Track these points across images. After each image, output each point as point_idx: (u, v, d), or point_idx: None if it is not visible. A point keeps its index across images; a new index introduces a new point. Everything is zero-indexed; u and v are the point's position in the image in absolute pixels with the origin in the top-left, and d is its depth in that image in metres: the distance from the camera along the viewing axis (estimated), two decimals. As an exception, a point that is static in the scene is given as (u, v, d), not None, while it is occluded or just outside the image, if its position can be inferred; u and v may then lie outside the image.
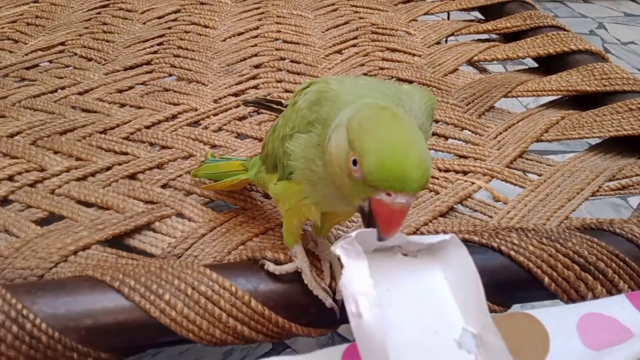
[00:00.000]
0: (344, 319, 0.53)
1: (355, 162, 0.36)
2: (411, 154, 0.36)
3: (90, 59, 0.98)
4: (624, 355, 0.42)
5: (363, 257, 0.37)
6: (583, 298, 0.55)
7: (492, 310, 0.52)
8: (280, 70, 0.96)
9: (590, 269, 0.54)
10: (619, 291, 0.54)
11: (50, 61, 0.96)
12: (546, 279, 0.54)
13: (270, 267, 0.50)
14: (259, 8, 1.19)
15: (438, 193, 0.68)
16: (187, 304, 0.49)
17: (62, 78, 0.91)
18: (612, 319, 0.46)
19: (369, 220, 0.38)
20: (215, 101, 0.86)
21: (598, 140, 0.80)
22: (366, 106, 0.39)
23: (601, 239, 0.57)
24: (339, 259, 0.37)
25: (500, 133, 0.79)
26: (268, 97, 0.86)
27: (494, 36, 1.10)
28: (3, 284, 0.49)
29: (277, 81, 0.93)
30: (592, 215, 1.24)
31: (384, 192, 0.36)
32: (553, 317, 0.46)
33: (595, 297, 0.54)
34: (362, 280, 0.36)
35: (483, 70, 1.02)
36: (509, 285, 0.54)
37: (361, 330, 0.35)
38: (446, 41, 1.10)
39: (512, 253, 0.54)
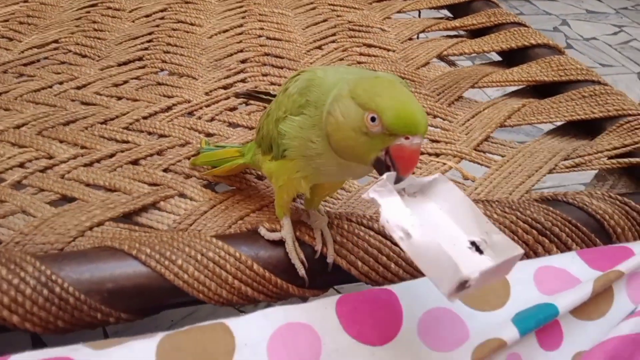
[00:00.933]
0: (331, 281, 0.61)
1: (373, 119, 0.45)
2: (415, 105, 0.46)
3: (84, 56, 1.03)
4: (571, 298, 0.50)
5: (395, 193, 0.45)
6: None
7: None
8: (265, 64, 1.03)
9: (546, 233, 0.63)
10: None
11: (46, 58, 1.01)
12: (509, 243, 0.62)
13: (262, 231, 0.58)
14: (241, 7, 1.25)
15: (414, 173, 0.76)
16: (197, 268, 0.55)
17: (59, 74, 0.96)
18: (564, 271, 0.55)
19: (386, 168, 0.46)
20: (207, 93, 0.92)
21: (555, 125, 0.89)
22: (361, 78, 0.48)
23: (556, 208, 0.65)
24: (373, 201, 0.44)
25: (468, 120, 0.87)
26: (257, 90, 0.93)
27: (461, 32, 1.18)
28: (32, 253, 0.55)
29: (263, 75, 0.99)
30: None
31: (402, 137, 0.45)
32: (514, 269, 0.54)
33: (551, 257, 0.62)
34: (399, 211, 0.43)
35: (452, 64, 1.10)
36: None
37: (415, 246, 0.42)
38: (418, 37, 1.19)
39: (479, 220, 0.62)
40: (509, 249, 0.43)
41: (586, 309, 0.52)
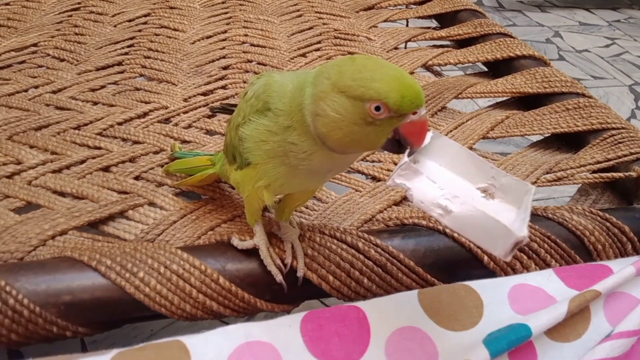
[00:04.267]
0: (301, 295, 0.59)
1: (378, 108, 0.43)
2: (409, 77, 0.44)
3: (62, 60, 1.01)
4: (545, 318, 0.48)
5: (420, 172, 0.44)
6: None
7: (435, 284, 0.58)
8: (247, 71, 1.01)
9: (524, 249, 0.61)
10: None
11: (24, 61, 0.99)
12: (485, 258, 0.60)
13: (235, 241, 0.56)
14: (227, 13, 1.24)
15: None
16: (159, 281, 0.53)
17: (35, 77, 0.94)
18: (539, 289, 0.53)
19: (398, 146, 0.46)
20: (185, 100, 0.91)
21: (540, 137, 0.87)
22: (339, 67, 0.45)
23: (535, 223, 0.63)
24: (401, 187, 0.44)
25: (451, 131, 0.86)
26: (232, 102, 0.91)
27: (449, 42, 1.17)
28: (-14, 264, 0.53)
29: (244, 82, 0.98)
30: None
31: (410, 114, 0.44)
32: (487, 287, 0.52)
33: (529, 274, 0.60)
34: (430, 189, 0.43)
35: (438, 74, 1.09)
36: (453, 264, 0.60)
37: (458, 219, 0.42)
38: (405, 46, 1.17)
39: (455, 235, 0.60)
40: (520, 187, 0.44)
41: (562, 330, 0.50)
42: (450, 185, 0.45)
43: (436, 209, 0.43)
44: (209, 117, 0.87)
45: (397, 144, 0.46)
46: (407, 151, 0.46)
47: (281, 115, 0.48)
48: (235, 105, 0.68)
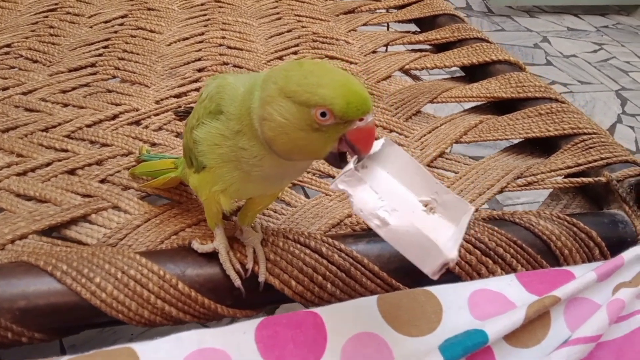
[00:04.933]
0: (263, 301, 0.58)
1: (323, 114, 0.43)
2: (356, 83, 0.44)
3: (35, 61, 1.00)
4: (503, 323, 0.48)
5: (363, 180, 0.44)
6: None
7: (399, 289, 0.57)
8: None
9: (490, 253, 0.60)
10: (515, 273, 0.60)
11: (-5, 62, 0.98)
12: (451, 263, 0.59)
13: (195, 245, 0.55)
14: (205, 15, 1.23)
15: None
16: (116, 286, 0.52)
17: (6, 79, 0.93)
18: (499, 294, 0.53)
19: (341, 158, 0.46)
20: (157, 102, 0.90)
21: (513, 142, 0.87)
22: (286, 71, 0.44)
23: (502, 228, 0.63)
24: (343, 192, 0.44)
25: (424, 135, 0.85)
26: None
27: (427, 46, 1.17)
28: (-61, 268, 0.52)
29: (219, 85, 0.97)
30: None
31: (357, 120, 0.43)
32: (448, 292, 0.52)
33: (495, 279, 0.60)
34: (371, 198, 0.43)
35: (416, 78, 1.09)
36: (418, 268, 0.60)
37: (392, 232, 0.42)
38: (386, 50, 1.17)
39: (420, 240, 0.60)
40: (460, 206, 0.44)
41: (521, 336, 0.49)
42: (392, 197, 0.45)
43: (374, 219, 0.42)
44: (180, 119, 0.86)
45: (340, 158, 0.46)
46: (355, 157, 0.45)
47: (232, 120, 0.48)
48: None
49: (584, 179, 0.72)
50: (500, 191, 0.74)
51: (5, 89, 0.90)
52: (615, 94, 2.10)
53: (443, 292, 0.51)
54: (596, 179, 0.72)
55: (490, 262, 0.60)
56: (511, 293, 0.52)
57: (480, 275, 0.60)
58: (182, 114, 0.68)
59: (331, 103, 0.42)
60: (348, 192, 0.44)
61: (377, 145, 0.47)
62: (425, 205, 0.45)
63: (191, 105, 0.88)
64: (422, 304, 0.50)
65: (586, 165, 0.75)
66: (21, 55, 1.01)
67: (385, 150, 0.47)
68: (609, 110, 1.97)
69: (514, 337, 0.49)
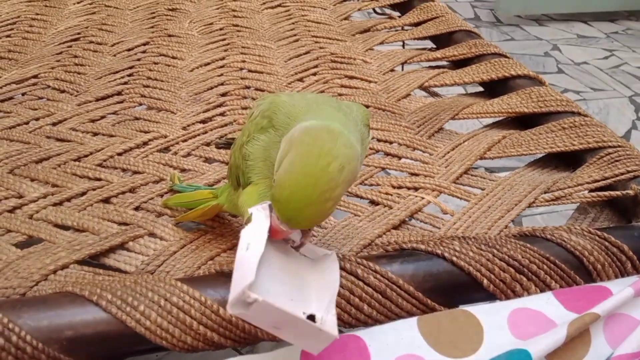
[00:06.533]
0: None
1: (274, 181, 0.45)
2: (314, 196, 0.43)
3: (62, 91, 1.02)
4: (545, 342, 0.49)
5: (265, 219, 0.46)
6: (519, 297, 0.61)
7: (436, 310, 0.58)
8: (245, 97, 1.02)
9: (524, 270, 0.61)
10: (551, 290, 0.61)
11: (24, 93, 1.01)
12: (485, 281, 0.60)
13: None
14: (224, 39, 1.25)
15: (391, 208, 0.75)
16: (160, 314, 0.53)
17: (36, 109, 0.95)
18: (539, 313, 0.53)
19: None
20: (184, 128, 0.91)
21: (536, 157, 0.88)
22: (299, 141, 0.45)
23: (534, 244, 0.63)
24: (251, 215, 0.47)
25: (448, 152, 0.86)
26: (235, 136, 0.91)
27: (445, 63, 1.18)
28: (-10, 300, 0.54)
29: (243, 108, 0.99)
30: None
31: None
32: (487, 312, 0.52)
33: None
34: (255, 231, 0.46)
35: (435, 95, 1.10)
36: (453, 288, 0.60)
37: (240, 258, 0.44)
38: (402, 68, 1.18)
39: (454, 259, 0.60)
40: (329, 327, 0.45)
41: (563, 355, 0.50)
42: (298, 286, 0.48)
43: (242, 244, 0.45)
44: (208, 144, 0.88)
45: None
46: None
47: (280, 129, 0.49)
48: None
49: (612, 193, 0.73)
50: (529, 206, 0.75)
51: (36, 119, 0.92)
52: (628, 100, 2.09)
53: (482, 312, 0.52)
54: (624, 192, 0.72)
55: (525, 279, 0.61)
56: (550, 311, 0.53)
57: (515, 293, 0.61)
58: (223, 145, 0.70)
59: (277, 184, 0.45)
60: (253, 217, 0.47)
61: (322, 253, 0.51)
62: (310, 316, 0.45)
63: (230, 135, 0.89)
64: (462, 325, 0.51)
65: (613, 179, 0.75)
66: (49, 86, 1.04)
67: (327, 263, 0.51)
68: (623, 117, 1.97)
69: (555, 355, 0.49)
